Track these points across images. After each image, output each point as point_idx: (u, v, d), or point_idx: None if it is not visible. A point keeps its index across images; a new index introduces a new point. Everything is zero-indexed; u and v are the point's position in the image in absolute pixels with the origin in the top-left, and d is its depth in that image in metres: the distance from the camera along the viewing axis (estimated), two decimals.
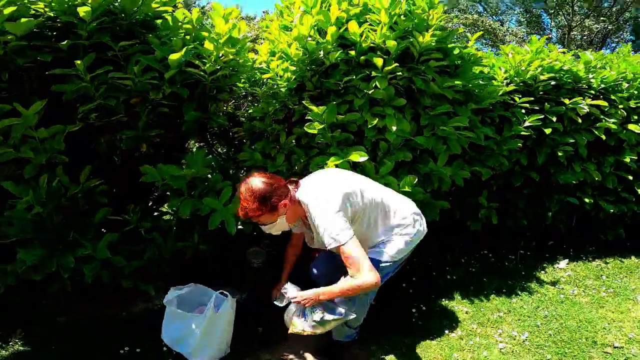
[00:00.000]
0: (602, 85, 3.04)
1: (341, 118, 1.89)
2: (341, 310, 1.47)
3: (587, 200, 2.92)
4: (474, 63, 2.42)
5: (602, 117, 2.91)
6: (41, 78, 1.67)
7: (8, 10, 1.52)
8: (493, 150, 2.50)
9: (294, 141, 1.94)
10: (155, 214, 2.10)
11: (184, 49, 1.67)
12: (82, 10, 1.59)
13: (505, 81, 2.76)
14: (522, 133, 2.57)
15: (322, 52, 1.96)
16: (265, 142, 1.93)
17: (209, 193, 1.76)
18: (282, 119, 1.97)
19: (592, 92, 2.96)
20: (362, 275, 1.32)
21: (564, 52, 3.17)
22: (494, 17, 16.45)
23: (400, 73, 1.91)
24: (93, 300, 2.05)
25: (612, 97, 3.03)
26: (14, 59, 1.56)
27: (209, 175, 1.82)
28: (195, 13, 2.12)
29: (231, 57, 1.81)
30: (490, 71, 2.82)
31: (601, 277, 2.74)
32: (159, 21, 2.01)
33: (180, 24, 2.07)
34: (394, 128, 1.90)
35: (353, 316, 1.48)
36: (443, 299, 2.36)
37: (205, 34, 1.95)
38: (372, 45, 2.01)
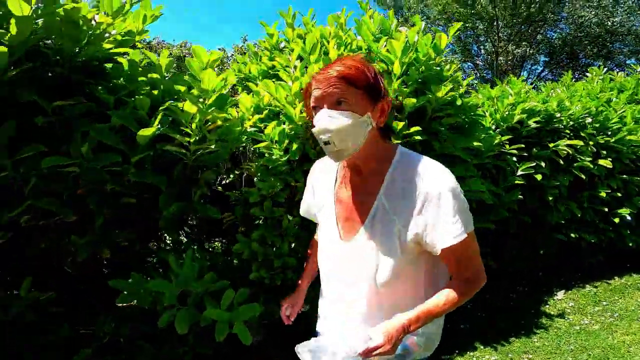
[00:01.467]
0: (571, 123, 3.03)
1: None
2: (419, 339, 0.89)
3: (572, 235, 2.94)
4: (471, 111, 2.18)
5: (577, 155, 2.88)
6: None
7: None
8: (494, 203, 2.29)
9: (296, 225, 1.48)
10: None
11: (159, 116, 1.15)
12: None
13: (492, 126, 2.59)
14: (517, 182, 2.39)
15: None
16: (264, 228, 1.44)
17: (205, 297, 1.27)
18: (284, 200, 1.47)
19: (568, 131, 2.93)
20: (482, 275, 0.84)
21: (539, 90, 3.12)
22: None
23: (419, 137, 1.57)
24: None
25: (582, 134, 3.03)
26: None
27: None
28: (164, 57, 1.60)
29: (220, 122, 1.31)
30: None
31: (601, 302, 2.78)
32: (108, 65, 1.44)
33: (140, 69, 1.53)
34: None
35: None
36: (467, 352, 2.21)
37: (180, 88, 1.44)
38: None
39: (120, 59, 1.49)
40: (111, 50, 1.40)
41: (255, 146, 1.53)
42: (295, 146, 1.47)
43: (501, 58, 15.96)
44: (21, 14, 1.08)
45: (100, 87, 1.37)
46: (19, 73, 1.08)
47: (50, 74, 1.25)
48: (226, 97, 1.35)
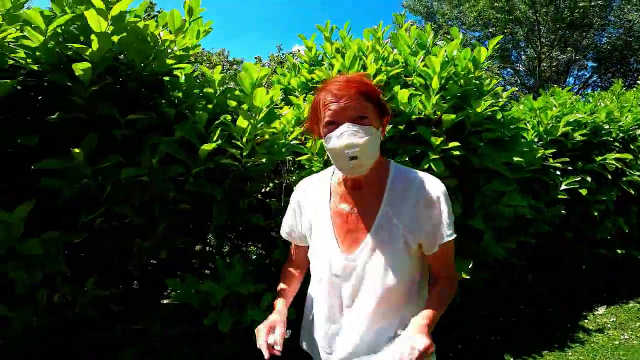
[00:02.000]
0: (620, 135, 2.87)
1: None
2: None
3: (619, 251, 2.79)
4: (511, 124, 2.14)
5: (626, 169, 2.72)
6: (23, 166, 1.21)
7: None
8: (534, 218, 2.22)
9: None
10: None
11: (217, 132, 1.26)
12: (80, 67, 1.11)
13: (535, 138, 2.51)
14: (560, 197, 2.30)
15: None
16: None
17: (246, 300, 1.35)
18: None
19: (617, 144, 2.78)
20: (457, 276, 0.98)
21: (585, 101, 3.01)
22: None
23: (457, 152, 1.57)
24: None
25: (632, 147, 2.86)
26: None
27: None
28: (217, 73, 1.73)
29: (267, 137, 1.41)
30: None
31: None
32: (166, 78, 1.55)
33: (196, 82, 1.66)
34: None
35: None
36: None
37: (232, 103, 1.55)
38: (420, 116, 1.68)
39: (176, 72, 1.63)
40: (173, 66, 1.54)
41: (297, 158, 1.60)
42: None
43: (544, 64, 15.20)
44: (99, 30, 1.20)
45: (163, 101, 1.51)
46: (100, 88, 1.18)
47: (120, 88, 1.37)
48: (274, 113, 1.45)
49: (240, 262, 1.31)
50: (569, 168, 2.44)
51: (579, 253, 2.75)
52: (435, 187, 0.85)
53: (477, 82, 1.88)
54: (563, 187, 2.35)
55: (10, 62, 1.20)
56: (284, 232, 1.05)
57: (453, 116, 1.59)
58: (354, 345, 0.87)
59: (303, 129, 0.90)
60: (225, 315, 1.31)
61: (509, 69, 16.62)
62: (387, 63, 2.02)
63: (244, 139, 1.35)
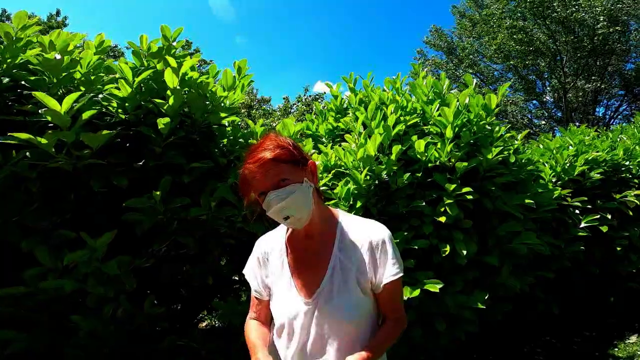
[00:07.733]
0: None
1: (409, 246, 1.65)
2: None
3: None
4: (526, 166, 2.23)
5: None
6: (111, 201, 1.42)
7: (87, 114, 1.21)
8: (554, 254, 2.24)
9: None
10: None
11: None
12: (162, 122, 1.31)
13: (553, 178, 2.56)
14: (580, 234, 2.32)
15: (385, 173, 1.77)
16: None
17: None
18: None
19: (637, 180, 2.76)
20: (405, 317, 0.97)
21: (598, 135, 3.02)
22: (490, 86, 16.11)
23: (470, 196, 1.70)
24: None
25: None
26: (85, 179, 1.30)
27: None
28: (259, 125, 1.99)
29: None
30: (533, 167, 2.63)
31: None
32: (215, 127, 1.77)
33: (240, 133, 1.91)
34: (464, 252, 1.66)
35: None
36: None
37: None
38: (436, 164, 1.82)
39: (223, 122, 1.83)
40: (225, 118, 1.77)
41: (326, 203, 1.78)
42: (359, 204, 1.70)
43: (570, 94, 14.80)
44: (173, 86, 1.40)
45: (216, 150, 1.74)
46: (173, 139, 1.38)
47: (185, 138, 1.53)
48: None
49: None
50: (589, 206, 2.45)
51: (605, 287, 2.69)
52: (379, 232, 0.91)
53: (489, 127, 2.01)
54: (583, 224, 2.36)
55: (101, 108, 1.38)
56: (254, 285, 1.04)
57: (465, 164, 1.72)
58: None
59: (246, 204, 0.96)
60: None
61: (535, 101, 16.25)
62: (406, 112, 2.20)
63: None
